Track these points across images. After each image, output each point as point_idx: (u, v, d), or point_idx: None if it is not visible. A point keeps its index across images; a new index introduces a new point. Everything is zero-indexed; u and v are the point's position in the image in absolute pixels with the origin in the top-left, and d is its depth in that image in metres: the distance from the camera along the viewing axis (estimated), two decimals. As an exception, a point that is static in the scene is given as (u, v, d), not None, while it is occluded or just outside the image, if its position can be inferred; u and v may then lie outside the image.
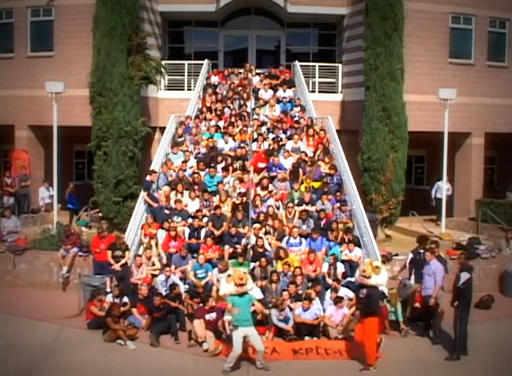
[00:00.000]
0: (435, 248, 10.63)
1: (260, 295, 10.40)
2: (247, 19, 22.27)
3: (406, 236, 16.58)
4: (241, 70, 19.58)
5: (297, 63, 19.87)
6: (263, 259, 11.18)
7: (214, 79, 19.54)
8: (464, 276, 9.20)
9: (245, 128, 15.75)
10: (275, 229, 12.56)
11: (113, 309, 9.78)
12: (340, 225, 12.46)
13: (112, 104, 15.97)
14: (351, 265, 11.45)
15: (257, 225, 12.03)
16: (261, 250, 11.68)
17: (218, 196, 13.41)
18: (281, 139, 15.61)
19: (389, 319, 10.32)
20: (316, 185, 13.72)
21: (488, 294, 12.12)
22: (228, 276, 8.88)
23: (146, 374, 8.52)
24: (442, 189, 16.47)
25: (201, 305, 10.16)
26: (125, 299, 10.38)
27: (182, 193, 13.49)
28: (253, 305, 9.48)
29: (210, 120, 16.87)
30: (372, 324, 8.73)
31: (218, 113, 17.20)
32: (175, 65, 20.34)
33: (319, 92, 20.34)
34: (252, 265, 11.39)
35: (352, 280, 10.85)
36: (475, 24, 19.21)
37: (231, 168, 14.34)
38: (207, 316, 9.82)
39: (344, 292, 10.58)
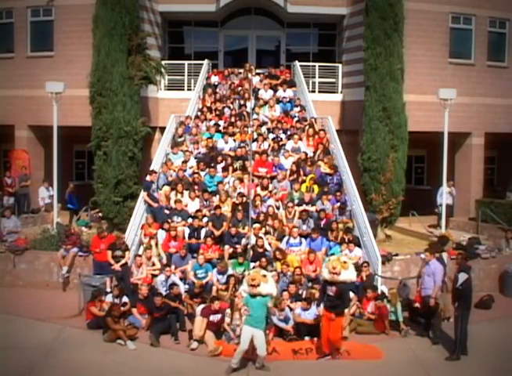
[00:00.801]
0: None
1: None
2: (247, 19, 22.26)
3: (406, 236, 16.61)
4: (241, 70, 19.56)
5: (297, 63, 19.85)
6: (263, 259, 11.16)
7: (214, 79, 19.52)
8: (462, 276, 9.19)
9: (245, 128, 15.76)
10: (275, 229, 12.56)
11: (113, 309, 9.77)
12: (340, 225, 12.46)
13: (112, 104, 15.96)
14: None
15: (257, 225, 12.02)
16: (261, 250, 11.68)
17: (218, 196, 13.41)
18: (281, 139, 15.61)
19: (389, 319, 10.34)
20: (316, 190, 13.68)
21: (488, 294, 12.12)
22: (248, 274, 8.98)
23: (146, 374, 8.51)
24: (445, 193, 16.25)
25: (204, 305, 10.13)
26: (125, 299, 10.38)
27: (182, 193, 13.48)
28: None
29: (210, 120, 16.86)
30: (341, 321, 9.06)
31: (218, 113, 17.20)
32: (175, 65, 20.34)
33: (319, 92, 20.33)
34: (252, 265, 11.38)
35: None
36: (475, 24, 19.22)
37: (231, 168, 14.33)
38: (212, 317, 9.77)
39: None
